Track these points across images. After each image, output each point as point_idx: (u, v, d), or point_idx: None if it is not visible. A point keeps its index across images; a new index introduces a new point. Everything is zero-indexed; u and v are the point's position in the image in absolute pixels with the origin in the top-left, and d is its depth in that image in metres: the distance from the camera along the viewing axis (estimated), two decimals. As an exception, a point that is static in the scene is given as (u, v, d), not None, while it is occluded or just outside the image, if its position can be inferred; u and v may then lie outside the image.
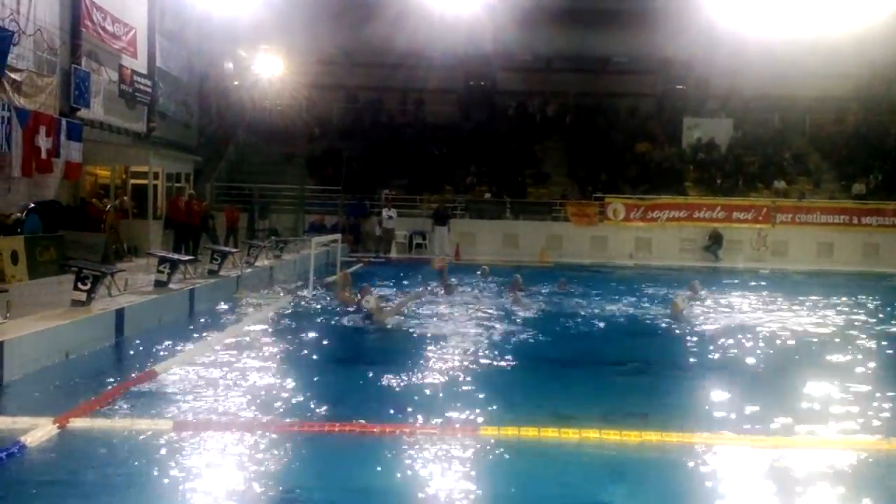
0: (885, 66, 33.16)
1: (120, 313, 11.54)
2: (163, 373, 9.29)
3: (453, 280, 17.14)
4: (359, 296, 13.98)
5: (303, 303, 15.58)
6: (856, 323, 14.83)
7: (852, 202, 29.37)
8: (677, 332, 13.40)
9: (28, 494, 6.06)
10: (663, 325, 14.01)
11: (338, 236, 21.75)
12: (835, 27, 27.78)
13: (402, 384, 9.23)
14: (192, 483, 6.08)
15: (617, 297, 17.36)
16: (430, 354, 10.98)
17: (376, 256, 26.55)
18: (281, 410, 8.08)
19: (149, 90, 24.11)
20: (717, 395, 9.15)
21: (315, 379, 9.69)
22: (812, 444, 7.42)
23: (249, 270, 18.10)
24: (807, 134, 34.45)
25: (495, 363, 10.59)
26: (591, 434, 7.23)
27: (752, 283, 21.27)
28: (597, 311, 15.61)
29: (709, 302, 16.67)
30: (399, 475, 6.36)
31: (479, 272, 19.92)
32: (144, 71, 24.04)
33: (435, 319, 13.71)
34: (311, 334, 12.57)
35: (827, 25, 27.78)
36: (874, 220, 28.45)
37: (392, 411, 8.04)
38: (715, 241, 28.05)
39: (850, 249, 28.19)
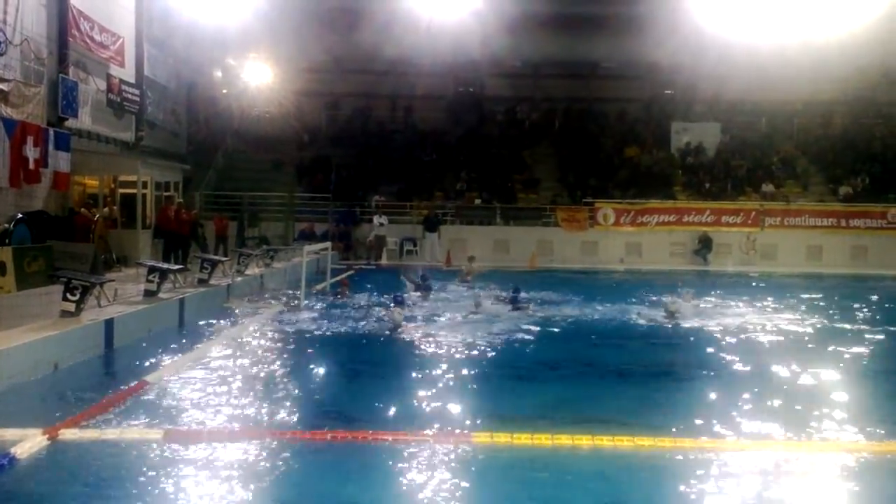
0: (870, 69, 33.41)
1: (109, 324, 11.48)
2: (153, 383, 9.25)
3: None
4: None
5: (293, 311, 15.54)
6: (847, 325, 14.91)
7: (840, 205, 29.53)
8: (669, 336, 13.43)
9: (18, 507, 6.03)
10: (655, 329, 14.04)
11: (328, 244, 21.72)
12: (820, 31, 27.98)
13: (392, 391, 9.22)
14: (184, 493, 6.04)
15: (608, 301, 17.37)
16: (419, 360, 11.00)
17: (367, 263, 26.52)
18: (272, 419, 8.05)
19: (137, 99, 24.02)
20: (710, 399, 9.17)
21: (306, 387, 9.66)
22: (809, 447, 7.44)
23: (239, 279, 18.05)
24: (794, 138, 34.62)
25: (486, 369, 10.58)
26: (585, 440, 7.23)
27: (742, 287, 21.33)
28: (587, 315, 15.65)
29: (697, 303, 16.71)
30: (392, 483, 6.35)
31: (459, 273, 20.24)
32: (132, 80, 23.94)
33: (425, 325, 13.71)
34: (302, 342, 12.54)
35: (813, 30, 27.98)
36: (862, 222, 28.62)
37: (383, 418, 8.04)
38: (704, 245, 28.15)
39: (838, 252, 28.34)
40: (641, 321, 14.87)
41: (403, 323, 13.41)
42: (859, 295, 19.34)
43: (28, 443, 6.87)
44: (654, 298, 17.19)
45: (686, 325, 14.25)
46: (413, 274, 18.53)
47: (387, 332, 13.03)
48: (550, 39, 32.84)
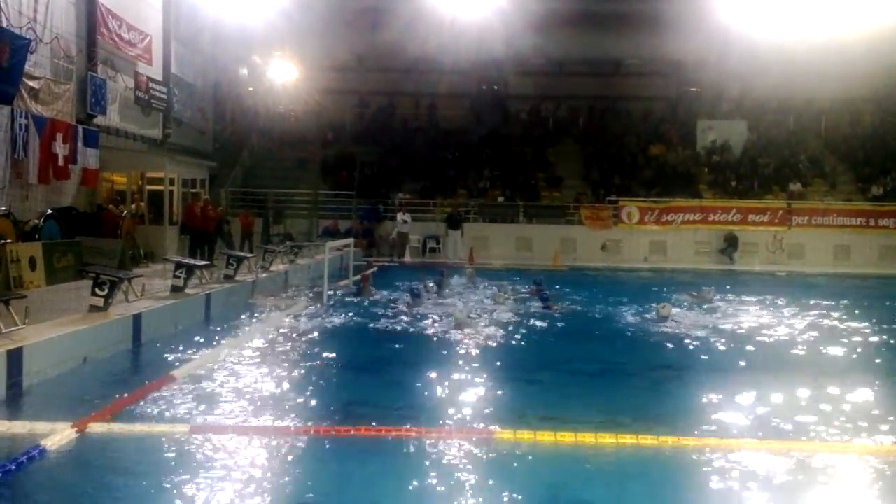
0: (899, 67, 32.90)
1: (137, 318, 11.63)
2: (180, 377, 9.34)
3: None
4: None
5: (317, 307, 15.64)
6: (870, 327, 14.71)
7: (869, 204, 29.13)
8: (694, 336, 13.27)
9: (47, 499, 6.12)
10: (678, 329, 13.91)
11: (351, 241, 21.83)
12: (849, 29, 27.59)
13: (416, 387, 9.24)
14: (210, 488, 6.10)
15: (633, 300, 17.26)
16: (443, 358, 10.99)
17: (390, 260, 26.60)
18: (297, 414, 8.10)
19: (164, 97, 24.27)
20: (732, 399, 9.07)
21: (330, 383, 9.71)
22: (819, 448, 7.36)
23: (265, 275, 18.18)
24: (822, 136, 34.22)
25: (510, 367, 10.57)
26: (608, 438, 7.20)
27: (769, 286, 21.10)
28: (611, 314, 15.59)
29: (718, 304, 16.64)
30: (414, 479, 6.36)
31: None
32: (160, 78, 24.21)
33: (446, 324, 13.72)
34: (326, 338, 12.60)
35: (841, 27, 27.59)
36: (891, 222, 28.18)
37: (407, 414, 8.05)
38: (730, 244, 27.90)
39: (866, 252, 27.98)
40: (665, 321, 14.75)
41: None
42: (887, 296, 19.07)
43: (57, 436, 6.97)
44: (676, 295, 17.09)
45: (705, 325, 14.12)
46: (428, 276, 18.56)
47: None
48: (575, 37, 32.70)
